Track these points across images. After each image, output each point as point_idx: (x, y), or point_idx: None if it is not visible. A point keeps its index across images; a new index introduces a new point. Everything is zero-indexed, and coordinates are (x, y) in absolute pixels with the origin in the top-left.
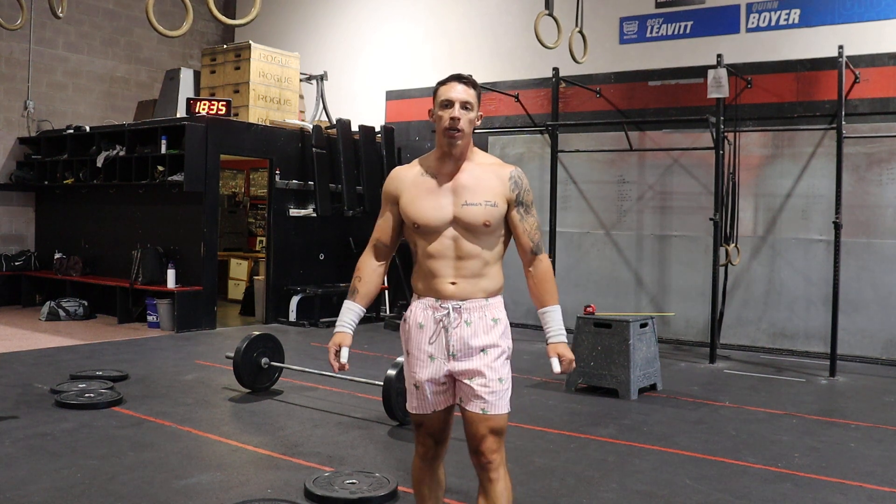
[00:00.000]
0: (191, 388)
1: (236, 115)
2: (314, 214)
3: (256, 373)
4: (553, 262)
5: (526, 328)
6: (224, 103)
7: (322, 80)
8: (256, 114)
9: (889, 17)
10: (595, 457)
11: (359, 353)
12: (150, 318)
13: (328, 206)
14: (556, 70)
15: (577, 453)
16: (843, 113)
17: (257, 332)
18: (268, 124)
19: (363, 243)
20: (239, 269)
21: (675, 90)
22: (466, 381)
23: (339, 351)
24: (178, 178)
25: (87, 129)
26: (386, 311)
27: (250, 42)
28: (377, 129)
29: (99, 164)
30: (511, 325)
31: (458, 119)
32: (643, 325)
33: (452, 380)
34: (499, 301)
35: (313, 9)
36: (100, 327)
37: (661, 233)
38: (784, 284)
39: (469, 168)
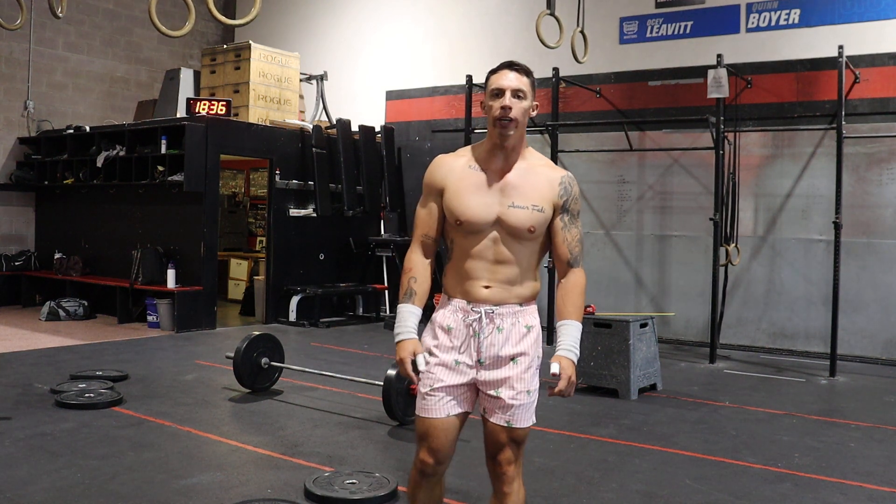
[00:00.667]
0: (191, 388)
1: (236, 115)
2: (314, 214)
3: (256, 373)
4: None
5: None
6: (224, 103)
7: (322, 80)
8: (256, 114)
9: (889, 17)
10: (595, 457)
11: (359, 353)
12: (150, 318)
13: (328, 206)
14: (556, 70)
15: (577, 453)
16: (843, 113)
17: (257, 332)
18: (268, 124)
19: (363, 243)
20: (239, 269)
21: (675, 90)
22: (493, 393)
23: (415, 360)
24: (178, 178)
25: (87, 129)
26: (386, 311)
27: (250, 42)
28: (377, 129)
29: (99, 164)
30: None
31: (510, 108)
32: (643, 325)
33: (474, 388)
34: (533, 308)
35: (313, 9)
36: (100, 327)
37: (661, 233)
38: (784, 284)
39: (520, 166)
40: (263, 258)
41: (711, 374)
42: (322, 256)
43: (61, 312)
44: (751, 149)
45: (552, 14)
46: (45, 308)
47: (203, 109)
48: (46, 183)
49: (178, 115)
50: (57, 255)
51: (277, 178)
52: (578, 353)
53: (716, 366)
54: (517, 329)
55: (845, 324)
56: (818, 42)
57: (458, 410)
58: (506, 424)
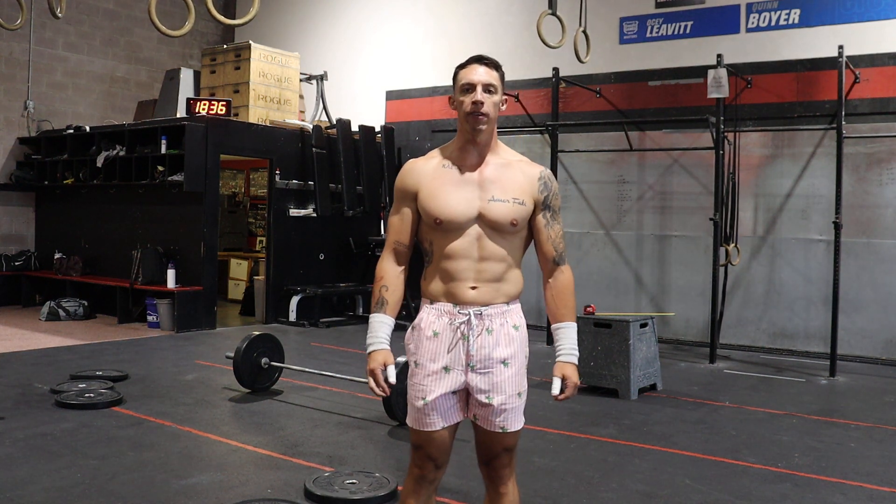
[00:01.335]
0: (191, 388)
1: (236, 115)
2: (314, 214)
3: (256, 373)
4: None
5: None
6: (224, 103)
7: (322, 80)
8: (256, 114)
9: (889, 17)
10: (595, 457)
11: (359, 353)
12: (150, 318)
13: (328, 206)
14: (556, 70)
15: (577, 453)
16: (843, 113)
17: (257, 332)
18: (268, 124)
19: (363, 243)
20: (239, 269)
21: (675, 90)
22: (484, 399)
23: (386, 370)
24: (178, 178)
25: (87, 129)
26: None
27: (250, 42)
28: (377, 129)
29: (99, 164)
30: None
31: (482, 103)
32: (643, 325)
33: (466, 393)
34: (518, 307)
35: (313, 9)
36: (100, 327)
37: (661, 233)
38: (784, 284)
39: (494, 161)
40: (263, 258)
41: (711, 374)
42: (322, 256)
43: (61, 312)
44: (751, 149)
45: (554, 14)
46: (45, 308)
47: (203, 109)
48: (46, 183)
49: (178, 115)
50: (57, 255)
51: (277, 178)
52: (578, 353)
53: (716, 366)
54: (506, 330)
55: (845, 324)
56: (818, 42)
57: (453, 420)
58: (499, 430)
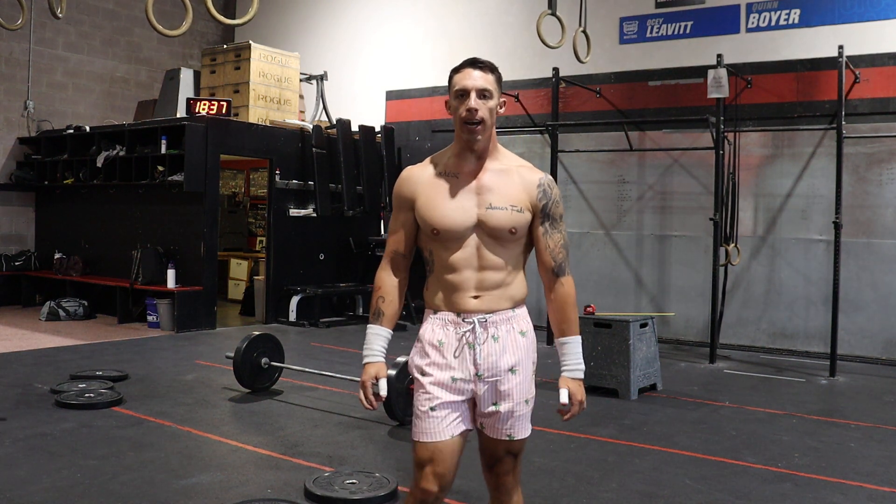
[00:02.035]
0: (191, 388)
1: (236, 115)
2: (314, 214)
3: (256, 373)
4: None
5: None
6: (224, 103)
7: (322, 80)
8: (256, 114)
9: (889, 17)
10: (595, 457)
11: (359, 353)
12: (150, 318)
13: (328, 206)
14: (556, 70)
15: (577, 453)
16: (843, 113)
17: (257, 333)
18: (268, 124)
19: (363, 244)
20: (239, 269)
21: (675, 90)
22: (491, 408)
23: (377, 383)
24: (178, 178)
25: (87, 129)
26: None
27: (250, 42)
28: (377, 129)
29: (99, 164)
30: None
31: (476, 110)
32: (643, 325)
33: (473, 402)
34: (525, 311)
35: (313, 9)
36: (100, 327)
37: (661, 233)
38: (784, 284)
39: (493, 167)
40: (263, 258)
41: (711, 374)
42: (322, 256)
43: (61, 312)
44: (751, 149)
45: (553, 14)
46: (45, 308)
47: (203, 109)
48: (46, 183)
49: (178, 115)
50: (57, 255)
51: (277, 178)
52: (584, 368)
53: (716, 366)
54: (512, 336)
55: (845, 324)
56: (818, 42)
57: (462, 429)
58: (506, 438)
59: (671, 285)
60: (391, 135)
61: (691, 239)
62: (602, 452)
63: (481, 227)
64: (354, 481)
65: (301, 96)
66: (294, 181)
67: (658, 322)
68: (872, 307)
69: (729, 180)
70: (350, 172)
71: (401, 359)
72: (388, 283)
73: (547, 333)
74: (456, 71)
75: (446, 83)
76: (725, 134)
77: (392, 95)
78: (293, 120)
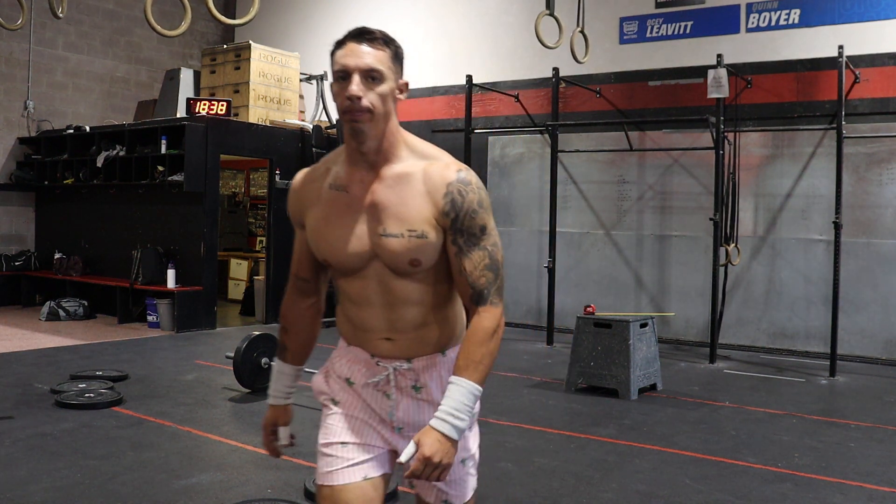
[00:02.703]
0: (191, 388)
1: (236, 115)
2: None
3: (257, 373)
4: (553, 263)
5: (526, 328)
6: (224, 103)
7: (322, 80)
8: (256, 114)
9: (889, 17)
10: (595, 457)
11: None
12: (150, 318)
13: None
14: (556, 70)
15: (577, 453)
16: (843, 113)
17: (257, 332)
18: (268, 124)
19: None
20: (239, 269)
21: (675, 90)
22: None
23: (276, 431)
24: (178, 178)
25: (87, 129)
26: None
27: (250, 42)
28: None
29: (99, 164)
30: (508, 325)
31: (359, 97)
32: (643, 325)
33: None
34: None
35: (313, 9)
36: (100, 327)
37: (661, 233)
38: (784, 284)
39: (390, 175)
40: (263, 258)
41: (711, 374)
42: None
43: (61, 312)
44: (751, 149)
45: (551, 14)
46: (45, 308)
47: (203, 109)
48: (46, 183)
49: (178, 115)
50: (57, 255)
51: (277, 178)
52: (464, 423)
53: (716, 366)
54: (443, 385)
55: (845, 324)
56: (818, 42)
57: (377, 472)
58: (442, 503)
59: (671, 285)
60: None
61: (691, 239)
62: (602, 452)
63: (380, 258)
64: None
65: (301, 96)
66: None
67: (658, 322)
68: (872, 307)
69: (729, 180)
70: None
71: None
72: (292, 312)
73: (547, 333)
74: (338, 45)
75: (446, 83)
76: (725, 134)
77: None
78: (293, 120)
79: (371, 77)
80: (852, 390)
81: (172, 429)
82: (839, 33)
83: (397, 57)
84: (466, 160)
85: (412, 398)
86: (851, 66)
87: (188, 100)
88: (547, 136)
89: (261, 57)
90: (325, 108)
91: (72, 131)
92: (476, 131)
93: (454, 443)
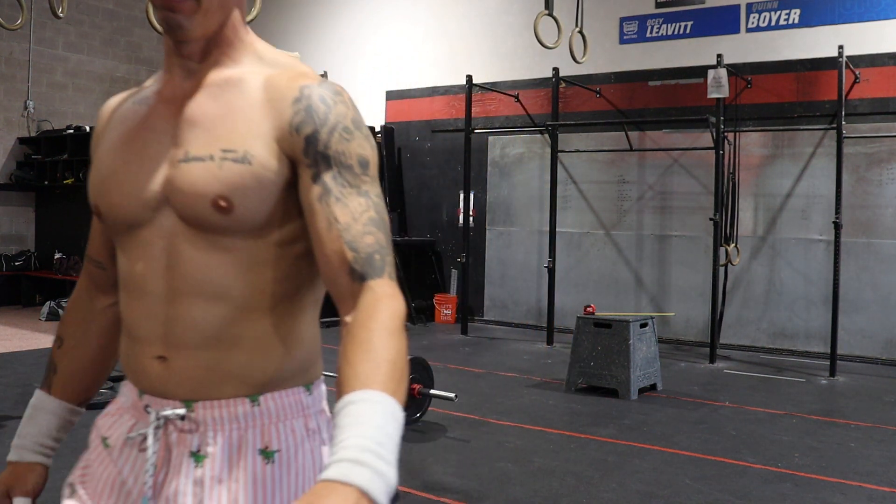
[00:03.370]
0: None
1: None
2: None
3: None
4: (553, 263)
5: (526, 328)
6: None
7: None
8: None
9: (889, 17)
10: (595, 457)
11: None
12: None
13: None
14: (556, 70)
15: (577, 453)
16: (843, 113)
17: None
18: None
19: None
20: None
21: (675, 90)
22: None
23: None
24: None
25: (88, 129)
26: None
27: None
28: (377, 129)
29: None
30: (507, 325)
31: None
32: (643, 325)
33: None
34: (296, 397)
35: (313, 9)
36: None
37: (661, 233)
38: (784, 284)
39: (219, 80)
40: None
41: (711, 374)
42: None
43: (61, 312)
44: (751, 149)
45: (551, 14)
46: (45, 308)
47: None
48: (46, 183)
49: None
50: (57, 255)
51: None
52: (391, 468)
53: (716, 366)
54: (243, 463)
55: (845, 324)
56: (818, 42)
57: None
58: None
59: (671, 285)
60: (391, 135)
61: (691, 239)
62: (602, 452)
63: (171, 204)
64: None
65: None
66: None
67: (658, 322)
68: (872, 307)
69: (729, 180)
70: None
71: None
72: (75, 314)
73: (547, 333)
74: None
75: (446, 83)
76: (725, 134)
77: (392, 95)
78: None
79: None
80: (852, 390)
81: None
82: (839, 33)
83: None
84: (466, 160)
85: (187, 477)
86: (851, 66)
87: None
88: (547, 136)
89: None
90: None
91: (72, 131)
92: (476, 131)
93: (367, 493)
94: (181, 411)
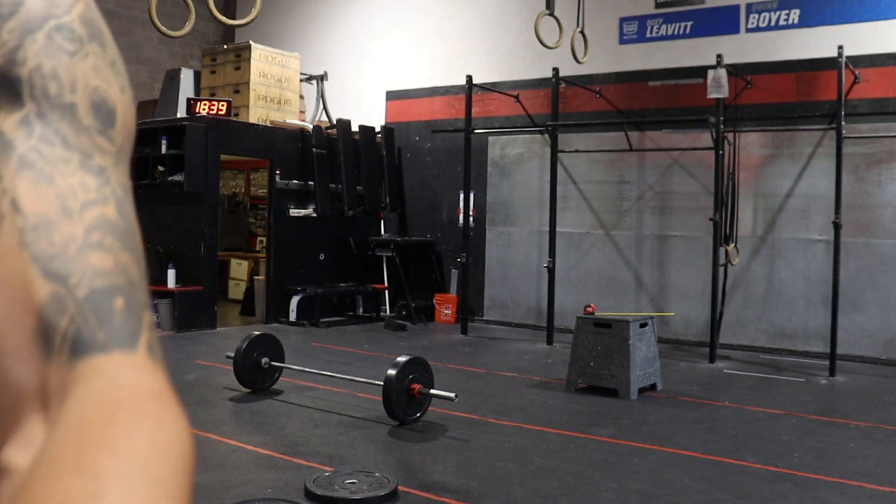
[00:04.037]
0: (191, 387)
1: (236, 115)
2: (314, 214)
3: (257, 373)
4: (553, 263)
5: (525, 328)
6: (224, 103)
7: (322, 80)
8: (257, 114)
9: (889, 17)
10: (595, 457)
11: (359, 352)
12: None
13: (328, 206)
14: (555, 70)
15: (577, 453)
16: (843, 113)
17: (257, 332)
18: (268, 124)
19: (363, 243)
20: (239, 269)
21: (675, 90)
22: None
23: None
24: (178, 178)
25: None
26: (386, 311)
27: (250, 42)
28: (377, 129)
29: None
30: (508, 325)
31: None
32: (643, 325)
33: None
34: None
35: (314, 9)
36: None
37: (661, 233)
38: (784, 284)
39: None
40: (264, 258)
41: (711, 373)
42: (322, 256)
43: None
44: (750, 149)
45: (551, 14)
46: None
47: (203, 110)
48: None
49: (179, 116)
50: None
51: (277, 178)
52: None
53: (715, 366)
54: None
55: (845, 324)
56: (818, 42)
57: None
58: None
59: (671, 285)
60: (391, 135)
61: (691, 239)
62: (602, 452)
63: None
64: (354, 481)
65: (301, 96)
66: (294, 181)
67: (658, 322)
68: (872, 307)
69: (728, 180)
70: (350, 172)
71: (401, 358)
72: None
73: (547, 333)
74: None
75: (446, 83)
76: (725, 134)
77: (392, 96)
78: (293, 120)
79: None
80: (852, 390)
81: None
82: (839, 33)
83: None
84: (466, 160)
85: None
86: (851, 67)
87: (188, 100)
88: (547, 136)
89: (261, 57)
90: (325, 108)
91: None
92: (476, 131)
93: None
94: None
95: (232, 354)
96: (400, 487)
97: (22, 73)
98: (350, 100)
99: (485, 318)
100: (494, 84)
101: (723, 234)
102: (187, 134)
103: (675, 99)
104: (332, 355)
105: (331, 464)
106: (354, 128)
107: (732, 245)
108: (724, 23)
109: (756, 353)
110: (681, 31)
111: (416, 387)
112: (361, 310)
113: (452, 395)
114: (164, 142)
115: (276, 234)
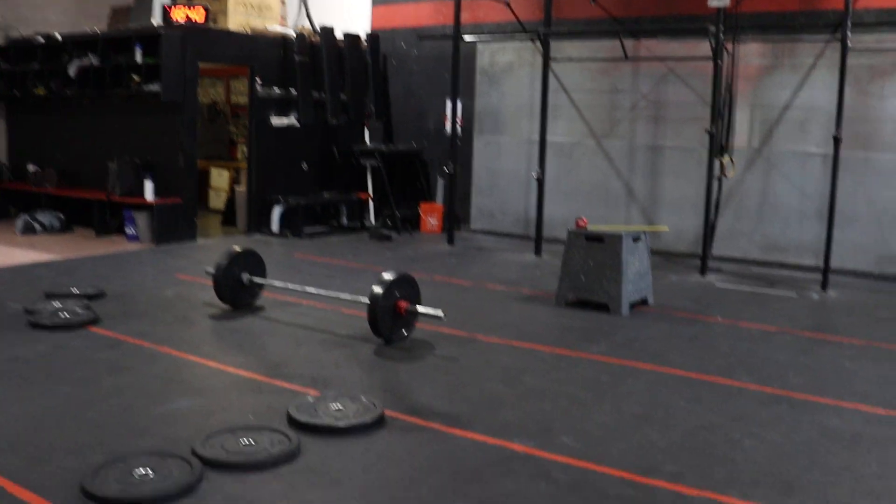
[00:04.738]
0: (170, 304)
1: (214, 21)
2: (297, 123)
3: (238, 289)
4: (543, 172)
5: (513, 238)
6: (202, 9)
7: None
8: (236, 20)
9: None
10: (587, 376)
11: (343, 264)
12: (128, 231)
13: (311, 114)
14: None
15: (569, 373)
16: (850, 23)
17: (238, 248)
18: (248, 31)
19: (347, 153)
20: (220, 178)
21: None
22: None
23: None
24: (154, 87)
25: (59, 36)
26: (371, 221)
27: None
28: (363, 36)
29: (71, 74)
30: (495, 234)
31: None
32: (636, 240)
33: None
34: None
35: None
36: (77, 240)
37: (654, 143)
38: (778, 197)
39: None
40: (245, 168)
41: (703, 287)
42: (305, 166)
43: (37, 226)
44: (749, 59)
45: None
46: (20, 221)
47: (180, 17)
48: (17, 93)
49: (154, 23)
50: (31, 168)
51: (258, 86)
52: None
53: (707, 279)
54: None
55: (838, 237)
56: None
57: None
58: None
59: (663, 196)
60: (377, 42)
61: (685, 150)
62: (594, 371)
63: None
64: (339, 406)
65: (283, 2)
66: (276, 89)
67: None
68: (866, 221)
69: (726, 91)
70: (334, 80)
71: (387, 275)
72: None
73: (535, 243)
74: None
75: None
76: (724, 43)
77: (378, 1)
78: (275, 26)
79: None
80: (844, 306)
81: (151, 350)
82: None
83: None
84: (454, 68)
85: None
86: None
87: (164, 6)
88: (538, 43)
89: None
90: (307, 14)
91: (42, 39)
92: (465, 38)
93: None
94: None
95: (212, 270)
96: (386, 412)
97: None
98: (334, 4)
99: (471, 227)
100: None
101: (718, 145)
102: (163, 42)
103: (672, 6)
104: (315, 268)
105: (315, 386)
106: (339, 35)
107: (727, 157)
108: None
109: (748, 266)
110: None
111: (403, 304)
112: (345, 220)
113: (440, 313)
114: (139, 50)
115: (258, 143)
